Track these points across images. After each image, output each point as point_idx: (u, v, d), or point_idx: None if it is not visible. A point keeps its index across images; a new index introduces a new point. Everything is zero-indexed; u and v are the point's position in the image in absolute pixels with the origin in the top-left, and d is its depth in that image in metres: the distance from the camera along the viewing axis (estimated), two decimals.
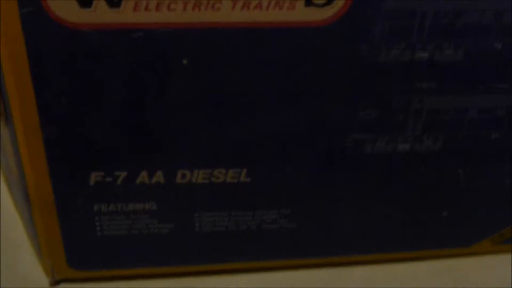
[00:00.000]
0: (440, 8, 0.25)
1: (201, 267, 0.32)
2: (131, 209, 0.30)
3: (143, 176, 0.29)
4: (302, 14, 0.24)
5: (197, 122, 0.27)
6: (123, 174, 0.28)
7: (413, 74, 0.27)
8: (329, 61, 0.26)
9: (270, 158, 0.29)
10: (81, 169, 0.28)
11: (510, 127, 0.29)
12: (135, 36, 0.24)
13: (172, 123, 0.27)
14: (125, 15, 0.24)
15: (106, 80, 0.26)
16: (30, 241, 0.34)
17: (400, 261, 0.34)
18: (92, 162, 0.28)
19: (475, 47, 0.26)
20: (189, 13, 0.24)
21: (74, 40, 0.24)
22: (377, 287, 0.33)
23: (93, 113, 0.26)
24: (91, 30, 0.24)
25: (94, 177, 0.28)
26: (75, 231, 0.30)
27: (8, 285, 0.32)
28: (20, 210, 0.34)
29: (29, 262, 0.33)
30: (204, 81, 0.26)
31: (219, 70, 0.26)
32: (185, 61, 0.25)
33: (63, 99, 0.26)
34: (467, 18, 0.25)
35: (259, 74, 0.26)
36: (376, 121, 0.28)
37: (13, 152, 0.29)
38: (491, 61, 0.27)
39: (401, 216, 0.32)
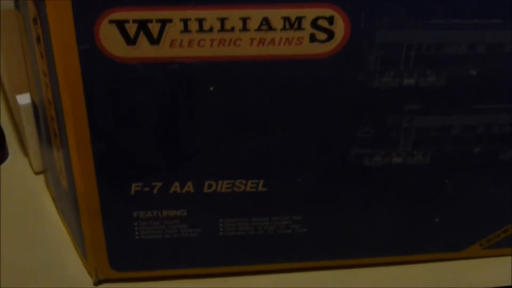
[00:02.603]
0: (423, 41, 0.30)
1: (224, 268, 0.37)
2: (165, 215, 0.35)
3: (175, 186, 0.34)
4: (307, 48, 0.30)
5: (221, 140, 0.32)
6: (159, 184, 0.34)
7: (402, 97, 0.32)
8: (331, 87, 0.31)
9: (283, 171, 0.34)
10: (123, 180, 0.33)
11: (489, 143, 0.34)
12: (171, 67, 0.30)
13: (200, 141, 0.32)
14: (163, 51, 0.29)
15: (146, 104, 0.31)
16: (75, 246, 0.39)
17: (399, 264, 0.38)
18: (133, 174, 0.33)
19: (454, 74, 0.31)
20: (215, 48, 0.29)
21: (121, 71, 0.30)
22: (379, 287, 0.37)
23: (135, 132, 0.32)
24: (135, 63, 0.30)
25: (134, 187, 0.34)
26: (117, 235, 0.35)
27: (57, 285, 0.37)
28: (67, 219, 0.39)
29: (74, 264, 0.38)
30: (228, 104, 0.31)
31: (240, 95, 0.31)
32: (212, 88, 0.31)
33: (111, 120, 0.31)
34: (446, 50, 0.31)
35: (273, 98, 0.31)
36: (372, 138, 0.33)
37: (65, 168, 0.35)
38: (469, 85, 0.32)
39: (398, 222, 0.37)
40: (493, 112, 0.33)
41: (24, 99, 0.42)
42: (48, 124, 0.36)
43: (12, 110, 0.50)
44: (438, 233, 0.37)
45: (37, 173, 0.46)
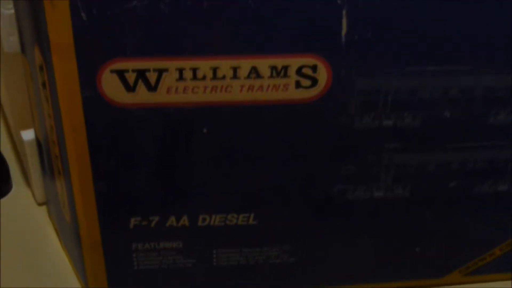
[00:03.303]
0: (399, 87, 0.33)
1: None
2: (162, 247, 0.37)
3: (171, 220, 0.36)
4: (293, 94, 0.32)
5: (214, 177, 0.35)
6: (156, 218, 0.36)
7: (382, 137, 0.34)
8: (316, 129, 0.34)
9: (273, 205, 0.36)
10: (123, 215, 0.36)
11: (464, 178, 0.36)
12: (167, 112, 0.32)
13: (194, 178, 0.35)
14: (160, 97, 0.32)
15: (144, 145, 0.33)
16: (77, 275, 0.41)
17: None
18: (132, 209, 0.36)
19: (429, 116, 0.34)
20: (208, 94, 0.32)
21: (121, 115, 0.32)
22: None
23: (134, 171, 0.34)
24: (134, 108, 0.32)
25: (133, 221, 0.36)
26: (116, 265, 0.38)
27: None
28: (69, 250, 0.41)
29: None
30: (220, 145, 0.34)
31: (231, 137, 0.33)
32: (205, 130, 0.33)
33: (112, 160, 0.33)
34: (421, 94, 0.33)
35: (262, 139, 0.34)
36: (355, 174, 0.35)
37: (68, 203, 0.37)
38: (443, 126, 0.34)
39: (381, 251, 0.39)
40: (466, 150, 0.35)
41: (28, 135, 0.45)
42: (52, 161, 0.38)
43: (15, 143, 0.52)
44: (419, 261, 0.40)
45: (39, 204, 0.48)
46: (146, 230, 0.36)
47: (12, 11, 0.39)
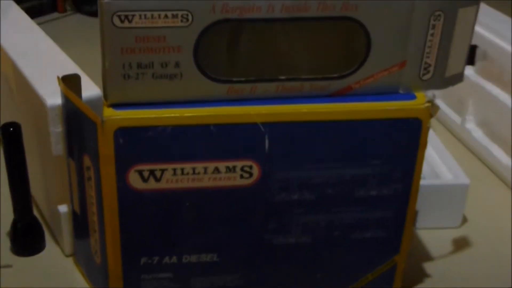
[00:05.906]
0: (301, 176, 0.56)
1: None
2: (159, 276, 0.59)
3: (166, 259, 0.59)
4: (238, 182, 0.56)
5: (193, 232, 0.58)
6: (157, 258, 0.58)
7: (292, 206, 0.58)
8: (253, 202, 0.57)
9: (228, 248, 0.59)
10: (136, 257, 0.58)
11: (343, 229, 0.60)
12: (165, 193, 0.55)
13: (181, 232, 0.57)
14: (162, 185, 0.55)
15: (151, 214, 0.56)
16: None
17: None
18: (142, 252, 0.58)
19: (319, 192, 0.58)
20: (190, 182, 0.55)
21: (139, 196, 0.55)
22: None
23: (145, 230, 0.57)
24: (146, 192, 0.55)
25: (143, 260, 0.58)
26: None
27: None
28: (95, 283, 0.63)
29: None
30: (196, 212, 0.57)
31: (203, 207, 0.56)
32: (188, 204, 0.56)
33: (132, 223, 0.56)
34: (314, 180, 0.57)
35: (220, 208, 0.57)
36: (277, 228, 0.59)
37: (100, 251, 0.59)
38: (328, 199, 0.58)
39: (296, 275, 0.62)
40: (343, 212, 0.59)
41: (63, 208, 0.67)
42: (88, 224, 0.61)
43: (44, 216, 0.74)
44: (321, 283, 0.63)
45: (67, 256, 0.70)
46: (150, 265, 0.59)
47: (60, 129, 0.62)
